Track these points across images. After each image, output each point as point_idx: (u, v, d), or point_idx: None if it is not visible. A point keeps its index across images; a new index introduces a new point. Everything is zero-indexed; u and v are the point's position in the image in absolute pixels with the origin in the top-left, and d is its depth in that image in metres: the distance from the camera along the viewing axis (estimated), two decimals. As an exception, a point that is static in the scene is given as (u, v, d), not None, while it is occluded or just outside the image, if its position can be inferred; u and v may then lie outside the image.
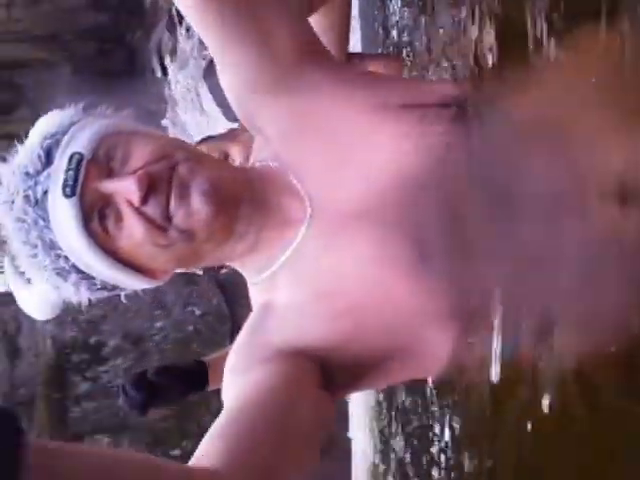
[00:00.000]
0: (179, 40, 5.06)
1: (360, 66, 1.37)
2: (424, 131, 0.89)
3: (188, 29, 4.89)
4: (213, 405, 4.39)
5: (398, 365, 0.92)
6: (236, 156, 1.83)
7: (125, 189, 0.82)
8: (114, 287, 0.90)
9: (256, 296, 0.98)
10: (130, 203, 0.82)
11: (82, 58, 4.92)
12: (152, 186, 0.82)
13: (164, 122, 5.21)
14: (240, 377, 0.89)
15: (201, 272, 2.14)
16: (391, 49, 2.93)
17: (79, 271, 0.87)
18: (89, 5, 4.80)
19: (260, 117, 0.94)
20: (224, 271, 1.96)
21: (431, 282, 0.87)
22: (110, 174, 0.84)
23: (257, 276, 0.95)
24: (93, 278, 0.88)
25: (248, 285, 0.99)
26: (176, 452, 4.99)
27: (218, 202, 0.83)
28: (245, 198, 0.89)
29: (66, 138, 0.85)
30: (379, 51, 3.21)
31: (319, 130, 0.92)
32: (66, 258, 0.85)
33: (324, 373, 0.89)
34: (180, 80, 4.97)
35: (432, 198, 0.88)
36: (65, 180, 0.83)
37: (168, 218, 0.82)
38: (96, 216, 0.84)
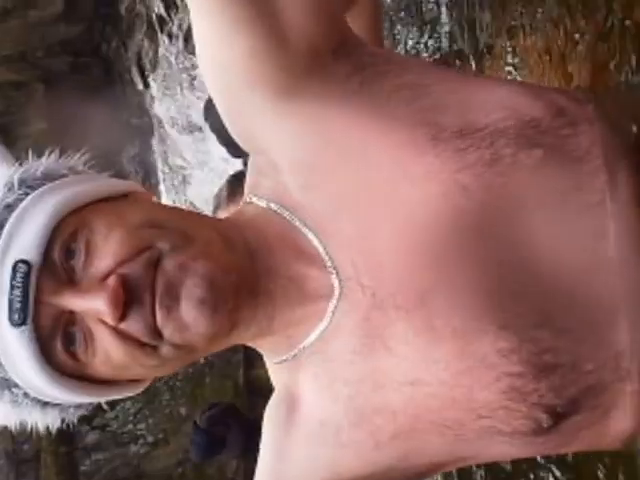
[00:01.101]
0: (160, 48, 4.80)
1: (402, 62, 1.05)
2: (489, 189, 0.71)
3: (170, 36, 4.59)
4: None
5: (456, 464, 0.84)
6: None
7: (95, 308, 0.64)
8: (92, 403, 0.79)
9: (276, 374, 0.85)
10: (103, 322, 0.66)
11: (55, 75, 4.67)
12: (130, 297, 0.63)
13: (154, 143, 4.94)
14: None
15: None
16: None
17: (44, 403, 0.74)
18: (59, 17, 4.50)
19: (265, 135, 0.72)
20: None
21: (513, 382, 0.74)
22: (71, 279, 0.65)
23: (276, 357, 0.83)
24: (62, 404, 0.75)
25: (265, 359, 0.87)
26: (197, 498, 4.66)
27: (215, 305, 0.69)
28: (248, 281, 0.74)
29: (3, 238, 0.64)
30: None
31: (347, 165, 0.74)
32: (25, 394, 0.72)
33: None
34: (164, 96, 4.69)
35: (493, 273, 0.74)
36: (10, 303, 0.66)
37: (156, 332, 0.68)
38: (59, 341, 0.69)
